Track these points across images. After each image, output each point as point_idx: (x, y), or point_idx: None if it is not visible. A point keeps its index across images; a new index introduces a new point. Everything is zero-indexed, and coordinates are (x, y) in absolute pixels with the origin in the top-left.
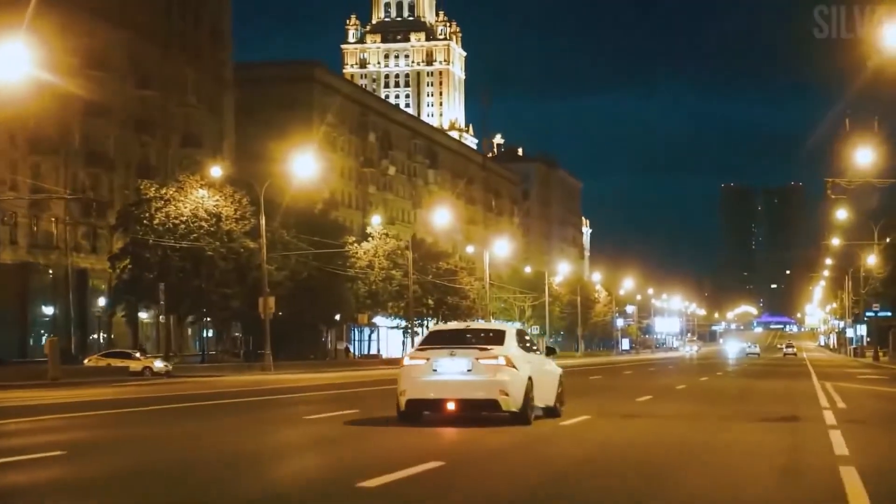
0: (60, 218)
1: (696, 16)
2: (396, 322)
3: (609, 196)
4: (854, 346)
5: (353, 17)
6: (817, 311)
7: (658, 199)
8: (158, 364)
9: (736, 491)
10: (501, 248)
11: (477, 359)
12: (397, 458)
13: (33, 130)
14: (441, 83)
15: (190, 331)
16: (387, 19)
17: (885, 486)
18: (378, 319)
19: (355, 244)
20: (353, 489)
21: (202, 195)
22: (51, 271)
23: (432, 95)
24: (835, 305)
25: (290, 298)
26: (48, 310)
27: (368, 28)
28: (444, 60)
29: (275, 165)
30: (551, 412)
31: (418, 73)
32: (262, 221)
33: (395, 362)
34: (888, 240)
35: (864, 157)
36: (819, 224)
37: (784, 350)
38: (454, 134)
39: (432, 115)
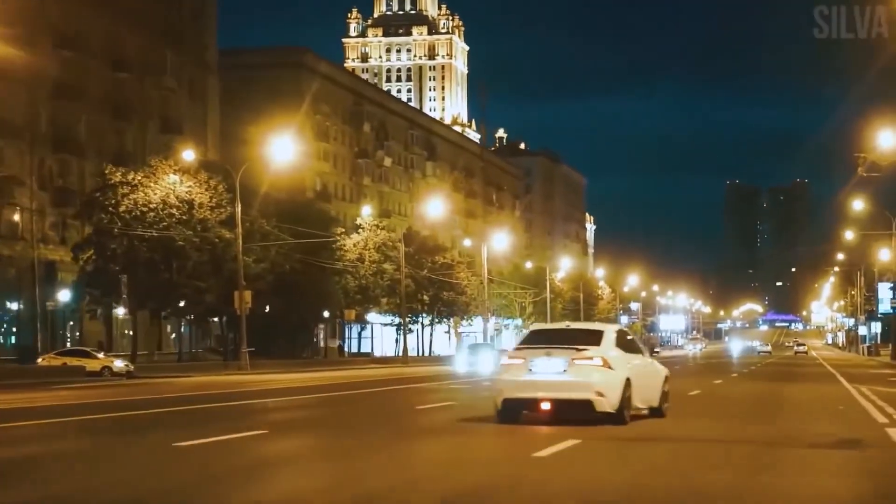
0: (26, 207)
1: (700, 16)
2: (391, 319)
3: (613, 195)
4: (868, 344)
5: (354, 10)
6: (824, 308)
7: (662, 197)
8: (118, 364)
9: None
10: (500, 241)
11: (573, 359)
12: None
13: None
14: (443, 77)
15: (169, 327)
16: (388, 13)
17: None
18: (372, 316)
19: (343, 236)
20: None
21: (173, 181)
22: (15, 264)
23: (434, 90)
24: (842, 303)
25: (271, 293)
26: (12, 305)
27: (370, 22)
28: (447, 55)
29: (260, 153)
30: (656, 412)
31: (420, 68)
32: (238, 209)
33: (387, 361)
34: None
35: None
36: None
37: (795, 348)
38: (457, 129)
39: (434, 110)
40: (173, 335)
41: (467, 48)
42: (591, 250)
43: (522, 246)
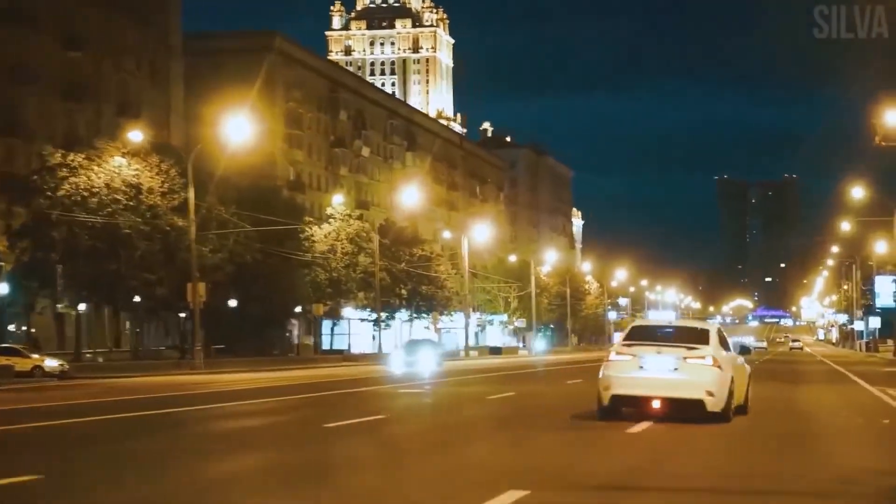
0: None
1: (694, 13)
2: (368, 314)
3: (603, 192)
4: (866, 339)
5: (337, 2)
6: (814, 304)
7: (652, 194)
8: (51, 363)
9: None
10: (481, 233)
11: (684, 358)
12: None
13: None
14: (428, 71)
15: (128, 323)
16: (372, 5)
17: None
18: (349, 311)
19: (311, 225)
20: None
21: (119, 164)
22: None
23: (419, 84)
24: (834, 298)
25: (232, 286)
26: None
27: (353, 14)
28: (431, 48)
29: (221, 137)
30: (741, 410)
31: (404, 61)
32: (191, 194)
33: (359, 359)
34: None
35: None
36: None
37: (790, 344)
38: (442, 122)
39: (419, 104)
40: (138, 331)
41: (452, 41)
42: (578, 245)
43: (507, 239)
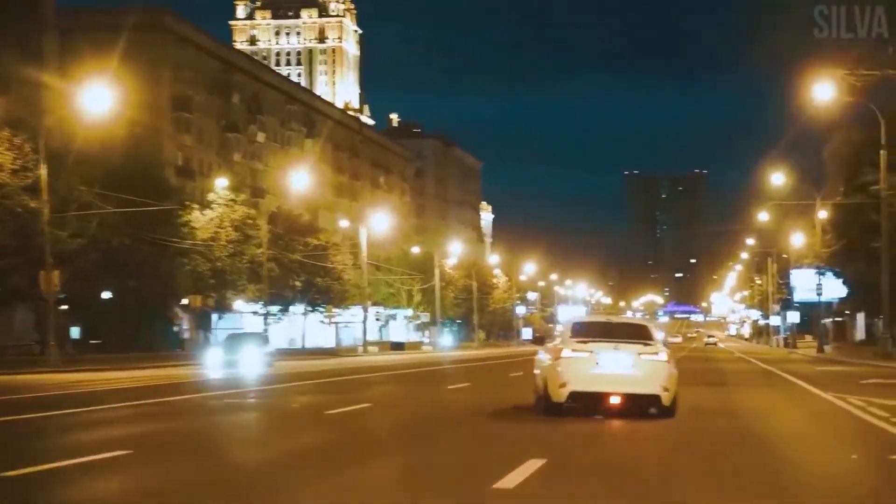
0: None
1: (600, 8)
2: (260, 307)
3: (513, 186)
4: (783, 335)
5: None
6: (725, 299)
7: (563, 189)
8: None
9: None
10: (383, 224)
11: (639, 354)
12: None
13: None
14: (334, 62)
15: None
16: None
17: None
18: (240, 305)
19: (192, 211)
20: None
21: None
22: None
23: (326, 74)
24: (746, 293)
25: (103, 275)
26: None
27: (258, 3)
28: (338, 38)
29: (87, 114)
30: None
31: (310, 51)
32: (44, 172)
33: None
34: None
35: None
36: (730, 207)
37: (705, 340)
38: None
39: (326, 95)
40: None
41: (360, 31)
42: (488, 240)
43: (414, 232)
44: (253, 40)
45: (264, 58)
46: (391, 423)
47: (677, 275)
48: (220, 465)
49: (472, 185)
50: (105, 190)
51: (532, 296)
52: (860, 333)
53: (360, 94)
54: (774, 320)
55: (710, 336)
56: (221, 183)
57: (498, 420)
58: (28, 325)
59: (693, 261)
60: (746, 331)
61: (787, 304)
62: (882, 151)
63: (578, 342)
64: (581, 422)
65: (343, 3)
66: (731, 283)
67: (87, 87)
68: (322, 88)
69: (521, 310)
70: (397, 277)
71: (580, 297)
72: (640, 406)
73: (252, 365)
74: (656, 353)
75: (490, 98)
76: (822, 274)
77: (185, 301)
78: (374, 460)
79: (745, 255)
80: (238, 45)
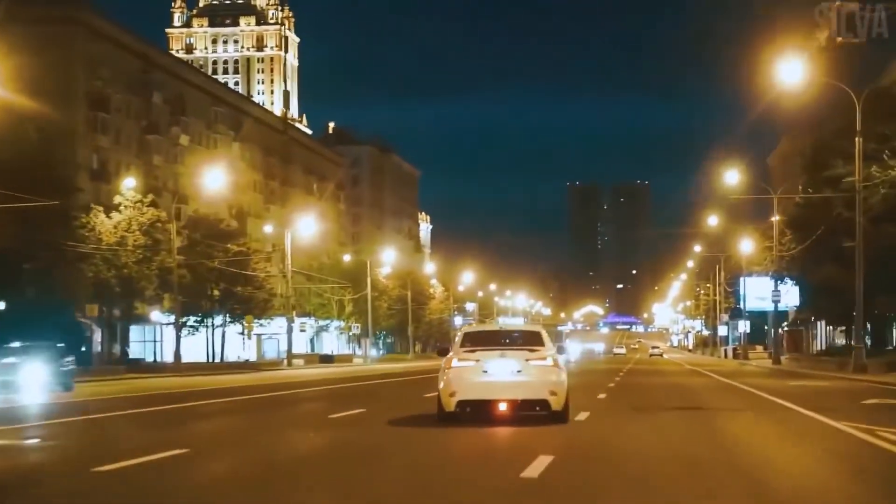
0: None
1: (543, 19)
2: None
3: (453, 197)
4: (733, 345)
5: None
6: (667, 310)
7: (504, 199)
8: None
9: None
10: (313, 231)
11: (527, 360)
12: None
13: None
14: (272, 70)
15: None
16: (215, 2)
17: None
18: (157, 315)
19: (97, 213)
20: None
21: None
22: None
23: (263, 83)
24: (688, 304)
25: None
26: None
27: (195, 11)
28: (276, 46)
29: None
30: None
31: (248, 60)
32: None
33: (156, 370)
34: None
35: None
36: (671, 217)
37: (650, 351)
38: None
39: (263, 104)
40: None
41: (298, 40)
42: (427, 250)
43: (350, 241)
44: (189, 48)
45: (201, 66)
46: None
47: (618, 286)
48: None
49: (410, 194)
50: None
51: (470, 306)
52: (819, 344)
53: (298, 104)
54: (722, 330)
55: (654, 347)
56: (129, 183)
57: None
58: None
59: (634, 272)
60: (690, 342)
61: (736, 313)
62: (858, 138)
63: (466, 351)
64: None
65: (282, 11)
66: (675, 293)
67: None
68: (259, 98)
69: (458, 321)
70: (328, 287)
71: (520, 307)
72: (528, 411)
73: (34, 388)
74: (544, 359)
75: (429, 108)
76: (781, 280)
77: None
78: None
79: (690, 264)
80: (175, 55)
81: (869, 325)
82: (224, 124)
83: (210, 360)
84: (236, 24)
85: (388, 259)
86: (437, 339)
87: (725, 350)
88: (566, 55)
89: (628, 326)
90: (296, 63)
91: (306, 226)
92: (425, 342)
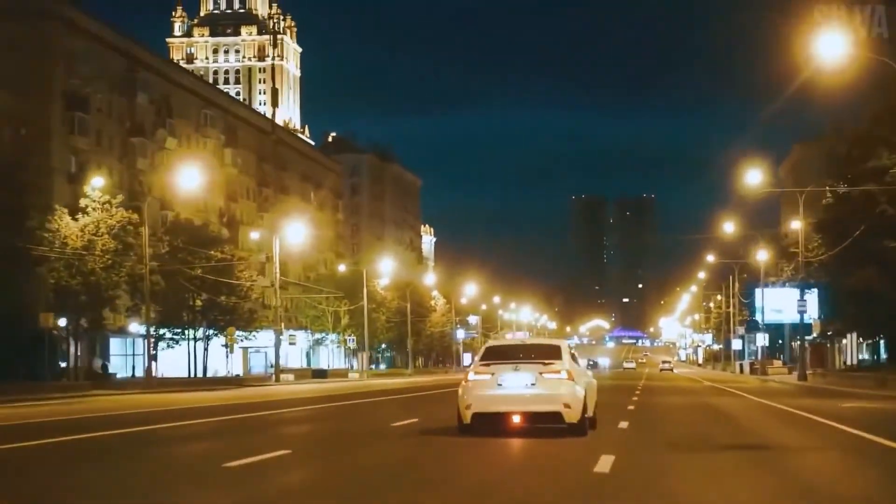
0: None
1: (548, 32)
2: (154, 330)
3: (458, 210)
4: (749, 360)
5: (179, 8)
6: (674, 324)
7: (509, 213)
8: None
9: None
10: (305, 236)
11: (540, 373)
12: None
13: None
14: (274, 80)
15: None
16: (216, 11)
17: None
18: (137, 327)
19: (62, 216)
20: None
21: None
22: None
23: (265, 93)
24: (696, 317)
25: None
26: None
27: (196, 21)
28: (278, 56)
29: None
30: (591, 422)
31: (249, 69)
32: None
33: (127, 386)
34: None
35: None
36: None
37: (661, 366)
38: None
39: (265, 114)
40: None
41: (300, 50)
42: (430, 263)
43: (349, 252)
44: (190, 58)
45: (202, 76)
46: None
47: (624, 300)
48: None
49: (412, 204)
50: None
51: (473, 319)
52: (850, 357)
53: (300, 114)
54: (736, 344)
55: (664, 361)
56: (96, 183)
57: None
58: None
59: (640, 286)
60: (700, 356)
61: (752, 326)
62: None
63: (482, 365)
64: None
65: (284, 20)
66: (684, 306)
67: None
68: (260, 108)
69: (460, 334)
70: (321, 297)
71: (525, 321)
72: (541, 423)
73: None
74: (558, 372)
75: (433, 121)
76: (808, 288)
77: (62, 321)
78: None
79: (702, 275)
80: (161, 54)
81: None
82: (214, 128)
83: (192, 374)
84: (237, 33)
85: (386, 269)
86: (438, 353)
87: (741, 365)
88: (571, 67)
89: (634, 341)
90: (298, 73)
91: (297, 233)
92: (427, 356)
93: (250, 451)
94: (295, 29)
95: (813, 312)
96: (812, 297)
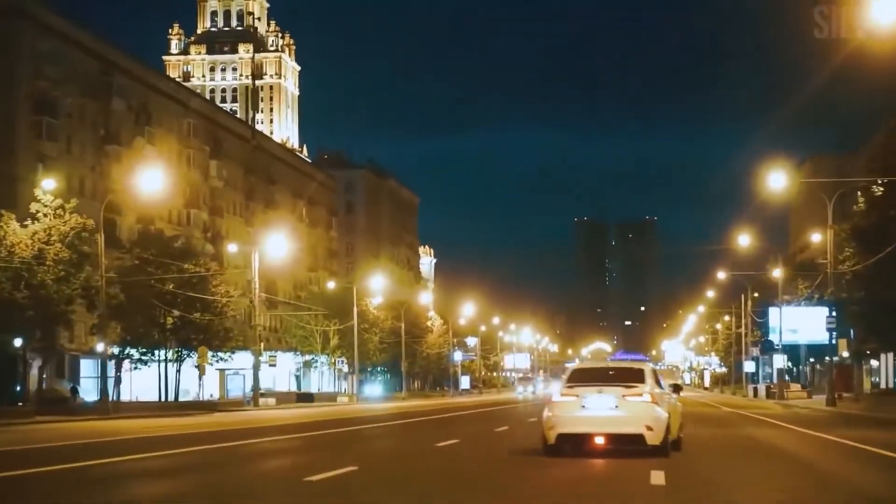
0: None
1: (550, 56)
2: (128, 350)
3: (458, 231)
4: (765, 383)
5: (175, 25)
6: (678, 347)
7: (511, 234)
8: None
9: None
10: (279, 248)
11: (623, 396)
12: None
13: None
14: (272, 99)
15: None
16: (213, 29)
17: None
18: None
19: (8, 221)
20: None
21: None
22: None
23: (262, 112)
24: (702, 339)
25: None
26: None
27: (193, 38)
28: (276, 74)
29: None
30: (675, 445)
31: (247, 88)
32: None
33: (88, 413)
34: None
35: None
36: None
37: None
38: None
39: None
40: None
41: (298, 68)
42: (430, 284)
43: (344, 271)
44: (187, 76)
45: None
46: None
47: (626, 323)
48: None
49: (409, 222)
50: None
51: (472, 341)
52: (884, 380)
53: (298, 133)
54: (749, 366)
55: (671, 385)
56: (47, 185)
57: None
58: None
59: (643, 308)
60: (706, 380)
61: (767, 347)
62: None
63: (568, 387)
64: None
65: (283, 38)
66: (689, 327)
67: None
68: (259, 126)
69: (458, 356)
70: (308, 315)
71: (526, 343)
72: (624, 445)
73: None
74: (640, 395)
75: (432, 142)
76: (839, 304)
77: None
78: None
79: (711, 293)
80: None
81: None
82: (198, 138)
83: (164, 398)
84: (235, 51)
85: (379, 287)
86: (435, 376)
87: (755, 388)
88: (575, 89)
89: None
90: (296, 92)
91: (280, 247)
92: (424, 379)
93: None
94: (294, 47)
95: (825, 334)
96: (824, 315)
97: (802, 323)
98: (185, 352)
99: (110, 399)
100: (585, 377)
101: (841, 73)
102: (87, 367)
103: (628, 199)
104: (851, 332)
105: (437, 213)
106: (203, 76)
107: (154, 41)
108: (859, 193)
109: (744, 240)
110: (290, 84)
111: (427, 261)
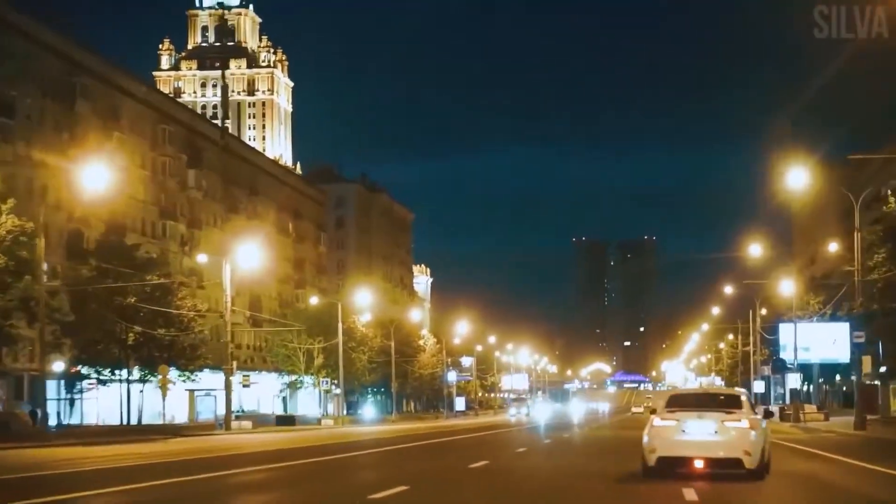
0: None
1: (546, 74)
2: (87, 370)
3: (456, 252)
4: (778, 403)
5: (166, 41)
6: (678, 367)
7: (509, 255)
8: None
9: None
10: (251, 258)
11: (723, 421)
12: None
13: None
14: (264, 115)
15: None
16: (204, 44)
17: None
18: (60, 366)
19: None
20: None
21: None
22: None
23: (254, 129)
24: (704, 359)
25: None
26: None
27: (184, 53)
28: (268, 90)
29: None
30: (766, 467)
31: (238, 104)
32: None
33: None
34: None
35: None
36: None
37: None
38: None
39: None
40: None
41: (291, 84)
42: (426, 304)
43: (334, 289)
44: (178, 92)
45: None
46: None
47: (626, 343)
48: None
49: (403, 239)
50: None
51: (467, 361)
52: None
53: (291, 151)
54: (758, 386)
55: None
56: None
57: None
58: None
59: (642, 329)
60: None
61: (778, 366)
62: None
63: (668, 412)
64: None
65: (275, 54)
66: (690, 346)
67: None
68: (251, 143)
69: (452, 376)
70: (289, 332)
71: (523, 364)
72: (722, 469)
73: None
74: (739, 420)
75: (430, 162)
76: (865, 318)
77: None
78: None
79: (716, 310)
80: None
81: None
82: (174, 145)
83: (126, 421)
84: (226, 66)
85: (367, 304)
86: (429, 397)
87: (766, 410)
88: (572, 109)
89: (636, 385)
90: (289, 108)
91: (251, 257)
92: (417, 400)
93: None
94: (286, 63)
95: (843, 352)
96: (842, 331)
97: (816, 340)
98: (148, 371)
99: (66, 422)
100: (683, 402)
101: (840, 73)
102: (53, 389)
103: (627, 218)
104: (880, 348)
105: (434, 232)
106: (194, 92)
107: (144, 56)
108: (889, 192)
109: (755, 249)
110: (283, 100)
111: (423, 280)
